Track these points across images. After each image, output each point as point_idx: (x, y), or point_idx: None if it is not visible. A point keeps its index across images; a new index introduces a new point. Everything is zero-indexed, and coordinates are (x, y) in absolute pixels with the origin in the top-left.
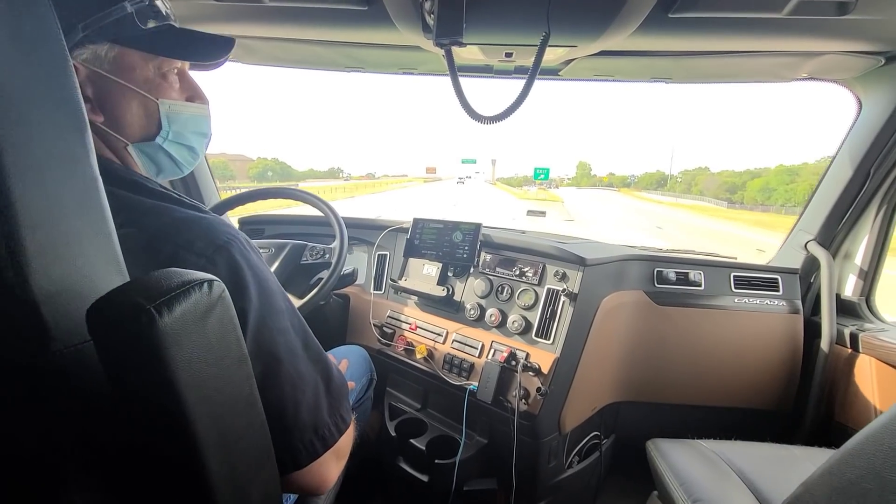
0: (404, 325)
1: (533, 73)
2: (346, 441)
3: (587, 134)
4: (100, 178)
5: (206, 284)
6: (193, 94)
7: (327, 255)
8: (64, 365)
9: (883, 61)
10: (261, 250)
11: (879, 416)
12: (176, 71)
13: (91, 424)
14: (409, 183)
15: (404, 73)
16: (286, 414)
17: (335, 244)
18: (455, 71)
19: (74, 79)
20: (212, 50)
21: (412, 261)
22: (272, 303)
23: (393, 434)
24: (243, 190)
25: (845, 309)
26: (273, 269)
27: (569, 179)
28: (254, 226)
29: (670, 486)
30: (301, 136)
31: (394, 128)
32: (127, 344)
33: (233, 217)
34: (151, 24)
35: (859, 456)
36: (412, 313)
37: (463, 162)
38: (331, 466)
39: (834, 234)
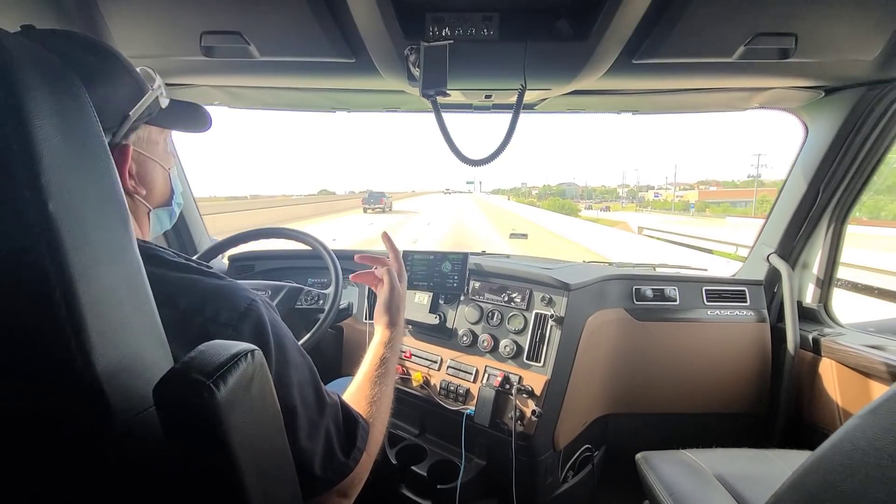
0: (399, 354)
1: (514, 118)
2: (364, 466)
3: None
4: (142, 264)
5: (249, 355)
6: (173, 155)
7: (321, 302)
8: (123, 436)
9: (823, 94)
10: (258, 293)
11: (831, 437)
12: (169, 138)
13: (148, 485)
14: None
15: (388, 112)
16: (304, 462)
17: (330, 288)
18: (442, 118)
19: (116, 175)
20: (199, 119)
21: None
22: (289, 359)
23: (394, 462)
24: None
25: (807, 315)
26: None
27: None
28: (244, 262)
29: (660, 497)
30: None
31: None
32: (191, 416)
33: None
34: (165, 104)
35: (817, 471)
36: (406, 341)
37: None
38: (354, 486)
39: (792, 246)
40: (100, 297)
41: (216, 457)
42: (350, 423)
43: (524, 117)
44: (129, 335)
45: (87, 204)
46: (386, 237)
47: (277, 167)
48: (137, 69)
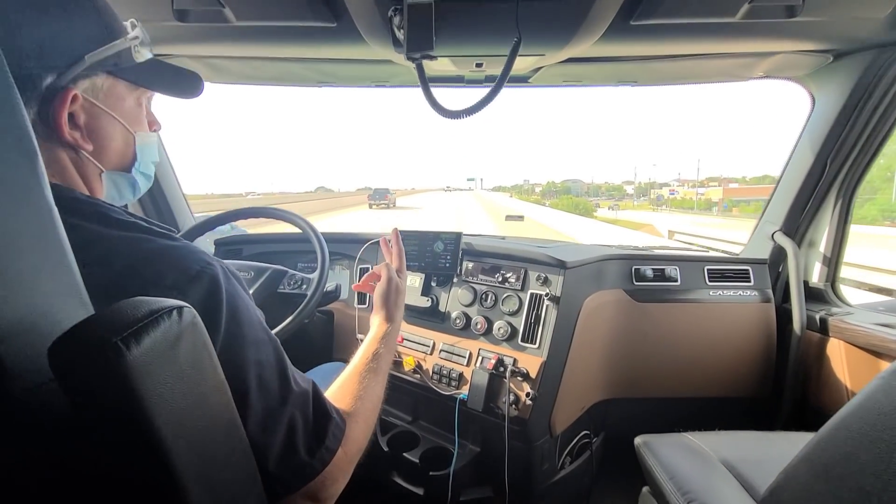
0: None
1: (502, 78)
2: (338, 467)
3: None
4: (55, 208)
5: (175, 312)
6: (152, 121)
7: (304, 287)
8: (28, 407)
9: (831, 59)
10: (240, 273)
11: (847, 403)
12: (145, 100)
13: (62, 467)
14: None
15: (376, 87)
16: (255, 458)
17: (316, 273)
18: (426, 83)
19: (19, 103)
20: (186, 84)
21: None
22: (245, 333)
23: (385, 449)
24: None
25: (813, 295)
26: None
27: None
28: (230, 246)
29: (660, 480)
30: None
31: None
32: (94, 381)
33: (209, 237)
34: (141, 59)
35: (833, 441)
36: None
37: None
38: (325, 489)
39: (798, 223)
40: None
41: (130, 431)
42: (321, 418)
43: (524, 101)
44: (35, 291)
45: None
46: (394, 234)
47: (274, 164)
48: (127, 23)
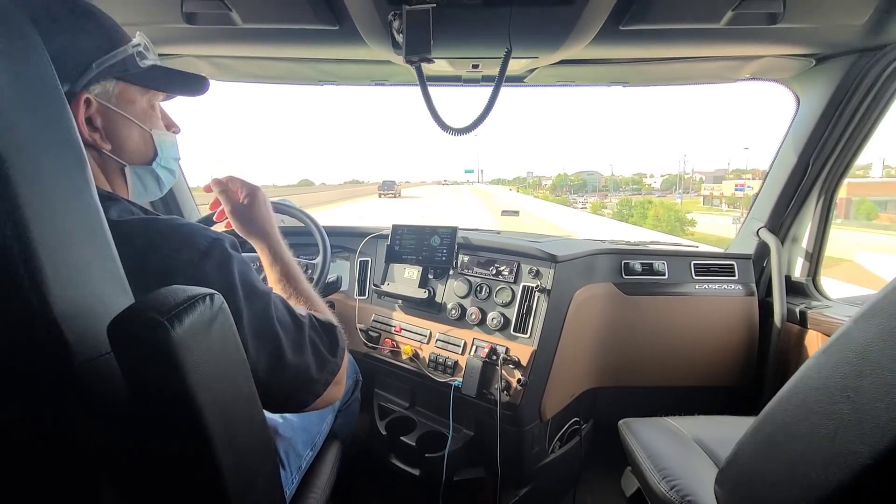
0: (389, 328)
1: (497, 85)
2: (345, 367)
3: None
4: (101, 207)
5: (208, 298)
6: (169, 123)
7: (309, 271)
8: (85, 377)
9: (814, 62)
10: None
11: (790, 380)
12: (157, 103)
13: (111, 428)
14: None
15: (376, 85)
16: (300, 373)
17: (318, 259)
18: (425, 85)
19: (72, 119)
20: (192, 84)
21: (393, 265)
22: (258, 292)
23: (384, 433)
24: None
25: (795, 289)
26: None
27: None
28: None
29: (640, 460)
30: None
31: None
32: (146, 353)
33: None
34: (146, 64)
35: (773, 415)
36: (396, 316)
37: None
38: (338, 389)
39: (781, 220)
40: (55, 238)
41: (173, 396)
42: (328, 328)
43: (527, 97)
44: (88, 278)
45: (39, 145)
46: (213, 182)
47: (253, 156)
48: (136, 34)
